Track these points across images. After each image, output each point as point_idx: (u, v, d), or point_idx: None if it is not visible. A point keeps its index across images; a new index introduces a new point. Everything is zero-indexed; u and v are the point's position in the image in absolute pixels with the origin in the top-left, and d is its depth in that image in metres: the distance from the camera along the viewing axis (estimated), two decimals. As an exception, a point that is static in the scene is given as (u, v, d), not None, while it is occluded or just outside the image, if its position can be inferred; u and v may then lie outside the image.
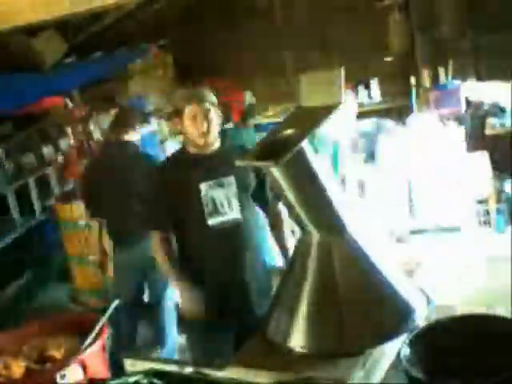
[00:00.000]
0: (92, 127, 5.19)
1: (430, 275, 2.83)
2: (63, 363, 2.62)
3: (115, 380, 1.75)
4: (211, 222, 2.62)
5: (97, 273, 4.80)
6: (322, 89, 2.04)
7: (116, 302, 3.09)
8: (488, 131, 5.73)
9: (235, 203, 2.64)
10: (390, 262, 2.21)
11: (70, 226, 4.96)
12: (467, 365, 1.73)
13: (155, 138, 6.55)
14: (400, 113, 6.24)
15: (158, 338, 4.05)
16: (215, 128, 2.66)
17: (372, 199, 3.84)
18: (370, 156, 4.27)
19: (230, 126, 6.61)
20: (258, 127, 7.24)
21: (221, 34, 7.18)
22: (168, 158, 3.04)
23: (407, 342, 1.78)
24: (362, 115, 6.77)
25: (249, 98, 7.31)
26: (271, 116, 7.21)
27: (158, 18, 6.90)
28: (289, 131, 1.98)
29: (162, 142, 6.33)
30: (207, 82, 6.96)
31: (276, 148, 1.90)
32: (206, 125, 2.61)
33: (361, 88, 6.70)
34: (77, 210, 4.84)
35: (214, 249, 2.65)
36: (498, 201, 5.42)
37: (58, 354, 2.77)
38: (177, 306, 3.46)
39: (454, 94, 5.85)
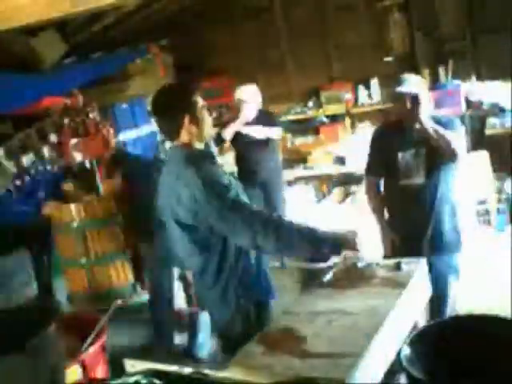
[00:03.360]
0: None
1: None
2: (63, 363, 2.62)
3: (115, 380, 1.75)
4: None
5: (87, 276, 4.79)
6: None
7: (117, 303, 3.10)
8: (488, 131, 5.74)
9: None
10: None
11: (63, 228, 4.84)
12: (467, 365, 1.73)
13: (155, 137, 6.55)
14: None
15: None
16: None
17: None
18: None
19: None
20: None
21: (220, 33, 7.18)
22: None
23: (407, 342, 1.77)
24: (362, 115, 6.81)
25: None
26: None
27: (157, 17, 6.89)
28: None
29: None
30: (207, 81, 6.99)
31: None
32: None
33: (361, 88, 6.69)
34: (69, 211, 4.78)
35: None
36: (498, 201, 5.44)
37: (57, 353, 2.77)
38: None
39: (454, 94, 5.86)
